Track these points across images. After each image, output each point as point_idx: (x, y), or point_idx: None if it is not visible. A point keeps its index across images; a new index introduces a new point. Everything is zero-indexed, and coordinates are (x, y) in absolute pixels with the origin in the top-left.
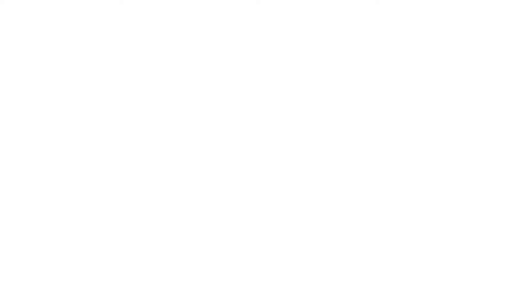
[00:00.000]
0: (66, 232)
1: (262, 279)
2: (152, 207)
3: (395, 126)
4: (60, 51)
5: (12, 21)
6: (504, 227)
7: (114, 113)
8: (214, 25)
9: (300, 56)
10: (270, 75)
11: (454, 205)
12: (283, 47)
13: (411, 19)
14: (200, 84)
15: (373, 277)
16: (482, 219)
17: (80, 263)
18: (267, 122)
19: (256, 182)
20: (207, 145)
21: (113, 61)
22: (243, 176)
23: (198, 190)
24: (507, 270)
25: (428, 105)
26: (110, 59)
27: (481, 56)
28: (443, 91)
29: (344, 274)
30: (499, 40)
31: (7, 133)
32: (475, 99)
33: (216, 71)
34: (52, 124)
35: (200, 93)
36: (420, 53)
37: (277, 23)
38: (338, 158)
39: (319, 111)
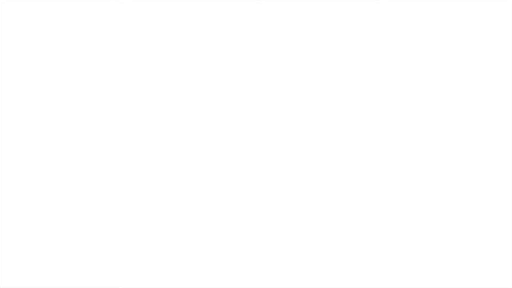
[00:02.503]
0: (66, 232)
1: (261, 279)
2: (152, 207)
3: (395, 126)
4: (60, 51)
5: (12, 21)
6: (504, 227)
7: (114, 113)
8: (214, 25)
9: (300, 56)
10: (270, 75)
11: (454, 205)
12: (283, 47)
13: (411, 19)
14: (200, 84)
15: (373, 277)
16: (481, 219)
17: (80, 263)
18: (267, 122)
19: (256, 182)
20: (207, 145)
21: (113, 62)
22: (243, 176)
23: (198, 190)
24: (506, 270)
25: (428, 105)
26: (110, 59)
27: (481, 56)
28: (442, 91)
29: (344, 274)
30: (498, 40)
31: (7, 133)
32: (475, 99)
33: (216, 71)
34: (53, 124)
35: (200, 93)
36: (420, 53)
37: (277, 23)
38: (338, 158)
39: (319, 111)
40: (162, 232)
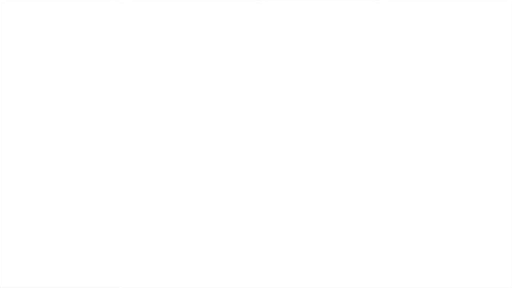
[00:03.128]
0: (66, 232)
1: (261, 279)
2: (152, 207)
3: (395, 126)
4: (60, 51)
5: (12, 21)
6: (504, 227)
7: (114, 113)
8: (214, 25)
9: (301, 56)
10: (271, 75)
11: (454, 205)
12: (283, 47)
13: (411, 19)
14: (200, 84)
15: (373, 277)
16: (481, 219)
17: (80, 263)
18: (268, 122)
19: (255, 182)
20: (207, 145)
21: (113, 62)
22: (243, 176)
23: (198, 190)
24: (505, 269)
25: (428, 105)
26: (110, 59)
27: (481, 56)
28: (443, 91)
29: (343, 274)
30: (498, 41)
31: (7, 133)
32: (475, 99)
33: (217, 71)
34: (53, 124)
35: (200, 93)
36: (420, 53)
37: (277, 23)
38: (338, 158)
39: (320, 111)
40: (162, 232)
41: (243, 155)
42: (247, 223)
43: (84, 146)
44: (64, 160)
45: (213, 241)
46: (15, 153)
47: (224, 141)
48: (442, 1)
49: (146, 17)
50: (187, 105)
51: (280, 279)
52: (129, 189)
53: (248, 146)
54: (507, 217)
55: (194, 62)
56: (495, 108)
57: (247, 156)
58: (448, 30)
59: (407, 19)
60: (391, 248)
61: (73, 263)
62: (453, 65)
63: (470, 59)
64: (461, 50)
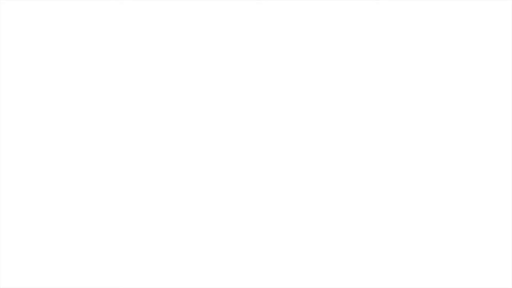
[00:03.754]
0: (66, 232)
1: (261, 279)
2: (152, 207)
3: (395, 126)
4: (60, 51)
5: (12, 21)
6: (504, 227)
7: (114, 113)
8: (214, 25)
9: (301, 56)
10: (271, 75)
11: (454, 205)
12: (283, 47)
13: (411, 19)
14: (200, 84)
15: (373, 277)
16: (481, 219)
17: (80, 263)
18: (268, 122)
19: (255, 182)
20: (207, 145)
21: (113, 62)
22: (243, 176)
23: (198, 190)
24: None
25: (428, 105)
26: (110, 60)
27: (481, 56)
28: (443, 91)
29: (344, 274)
30: (498, 40)
31: (7, 133)
32: (475, 99)
33: (217, 71)
34: (53, 124)
35: (200, 93)
36: (420, 53)
37: (277, 23)
38: (338, 158)
39: (320, 111)
40: (162, 232)
41: (243, 154)
42: (247, 223)
43: (84, 146)
44: (64, 159)
45: (213, 241)
46: (15, 153)
47: (224, 140)
48: (442, 1)
49: (146, 17)
50: (187, 105)
51: (280, 279)
52: (129, 188)
53: (248, 145)
54: (507, 217)
55: (194, 62)
56: (495, 108)
57: (247, 155)
58: (448, 30)
59: (407, 19)
60: (391, 248)
61: (73, 263)
62: (453, 65)
63: (470, 59)
64: (461, 50)
